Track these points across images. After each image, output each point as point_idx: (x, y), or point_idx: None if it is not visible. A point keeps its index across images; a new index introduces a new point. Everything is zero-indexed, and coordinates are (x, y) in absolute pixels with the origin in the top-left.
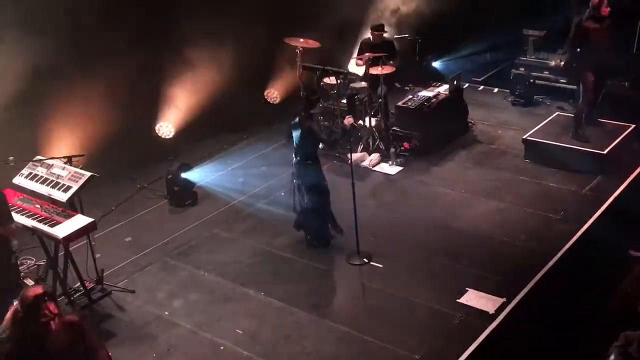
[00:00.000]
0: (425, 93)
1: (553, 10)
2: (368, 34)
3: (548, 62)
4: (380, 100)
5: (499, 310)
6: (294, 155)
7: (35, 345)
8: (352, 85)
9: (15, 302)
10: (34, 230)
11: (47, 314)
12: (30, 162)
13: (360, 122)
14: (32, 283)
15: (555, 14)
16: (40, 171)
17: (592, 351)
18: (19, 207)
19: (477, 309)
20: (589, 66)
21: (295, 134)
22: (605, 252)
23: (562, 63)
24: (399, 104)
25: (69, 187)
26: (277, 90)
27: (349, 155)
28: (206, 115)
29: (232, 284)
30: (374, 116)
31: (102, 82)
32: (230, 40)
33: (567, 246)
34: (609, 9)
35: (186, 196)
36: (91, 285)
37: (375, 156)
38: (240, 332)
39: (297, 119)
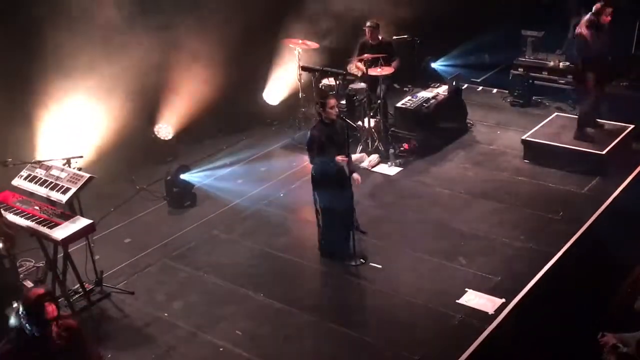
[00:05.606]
0: (424, 94)
1: (551, 11)
2: (366, 36)
3: (547, 62)
4: (379, 101)
5: (498, 310)
6: None
7: (36, 346)
8: (351, 86)
9: (15, 305)
10: (32, 232)
11: (48, 315)
12: (29, 164)
13: (360, 122)
14: (32, 285)
15: (553, 15)
16: (39, 173)
17: (591, 351)
18: (17, 209)
19: (477, 309)
20: (591, 68)
21: None
22: (604, 252)
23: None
24: (398, 104)
25: (68, 189)
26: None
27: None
28: (205, 116)
29: (232, 285)
30: (373, 117)
31: (101, 83)
32: (230, 40)
33: (566, 246)
34: (609, 18)
35: (185, 197)
36: (90, 286)
37: (374, 157)
38: (240, 333)
39: None
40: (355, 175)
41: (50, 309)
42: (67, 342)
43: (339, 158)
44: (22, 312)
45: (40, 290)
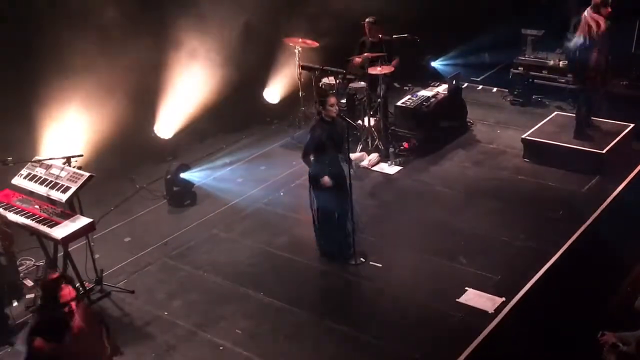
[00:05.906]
0: (424, 93)
1: (551, 10)
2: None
3: (547, 61)
4: (379, 100)
5: (498, 309)
6: None
7: (55, 328)
8: (351, 85)
9: (16, 303)
10: (32, 231)
11: (64, 297)
12: (29, 163)
13: (360, 121)
14: (31, 284)
15: (553, 14)
16: (39, 172)
17: (591, 350)
18: (17, 208)
19: (477, 308)
20: (590, 65)
21: None
22: (604, 251)
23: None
24: (398, 103)
25: (67, 188)
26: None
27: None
28: (205, 115)
29: (232, 284)
30: (373, 116)
31: (100, 82)
32: (230, 39)
33: (566, 245)
34: (609, 9)
35: (185, 196)
36: (90, 285)
37: (374, 156)
38: (240, 332)
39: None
40: (326, 179)
41: (67, 290)
42: (89, 321)
43: (326, 180)
44: (40, 296)
45: (56, 274)
